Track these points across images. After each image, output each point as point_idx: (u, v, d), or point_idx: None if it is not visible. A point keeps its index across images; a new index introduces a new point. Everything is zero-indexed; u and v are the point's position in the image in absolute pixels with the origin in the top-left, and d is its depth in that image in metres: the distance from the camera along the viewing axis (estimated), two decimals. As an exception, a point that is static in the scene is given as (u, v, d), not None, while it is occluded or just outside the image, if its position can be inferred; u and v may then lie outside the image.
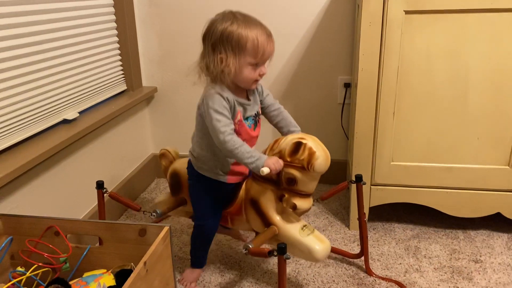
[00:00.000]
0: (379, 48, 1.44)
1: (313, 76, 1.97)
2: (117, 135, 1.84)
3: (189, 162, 1.35)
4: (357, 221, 1.47)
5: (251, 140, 1.27)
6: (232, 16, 1.17)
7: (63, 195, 1.49)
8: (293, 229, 1.24)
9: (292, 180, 1.18)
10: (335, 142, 2.04)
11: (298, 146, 1.16)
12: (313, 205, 1.46)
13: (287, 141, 1.19)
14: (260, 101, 1.32)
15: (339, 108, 1.98)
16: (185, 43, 1.99)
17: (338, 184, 1.43)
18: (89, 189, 1.59)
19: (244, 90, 1.25)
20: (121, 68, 1.92)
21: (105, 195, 1.43)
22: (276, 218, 1.25)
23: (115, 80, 1.87)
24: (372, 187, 1.61)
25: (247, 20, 1.17)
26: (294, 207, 1.19)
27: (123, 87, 1.95)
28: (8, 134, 1.28)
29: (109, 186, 1.52)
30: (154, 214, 1.38)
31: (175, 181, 1.45)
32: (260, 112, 1.31)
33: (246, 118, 1.25)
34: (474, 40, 1.39)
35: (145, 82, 2.08)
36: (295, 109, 2.01)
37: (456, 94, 1.46)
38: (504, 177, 1.52)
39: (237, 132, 1.20)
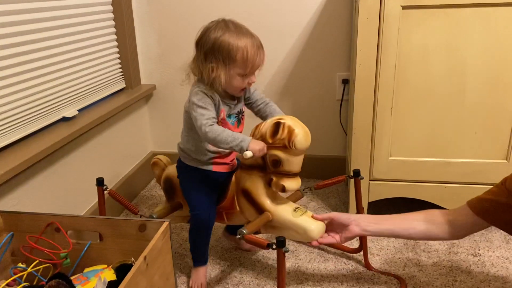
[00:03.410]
0: (377, 43, 1.44)
1: (311, 72, 1.97)
2: (116, 133, 1.85)
3: (178, 158, 1.39)
4: (356, 216, 1.47)
5: None
6: (225, 25, 1.21)
7: (63, 192, 1.50)
8: (286, 212, 1.25)
9: (277, 162, 1.19)
10: (333, 138, 2.05)
11: (277, 126, 1.18)
12: (305, 192, 1.47)
13: (267, 124, 1.21)
14: (248, 97, 1.35)
15: (338, 104, 1.99)
16: (184, 40, 1.99)
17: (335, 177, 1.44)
18: (89, 187, 1.59)
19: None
20: (120, 66, 1.92)
21: (104, 192, 1.44)
22: (268, 204, 1.26)
23: (114, 78, 1.87)
24: (370, 182, 1.62)
25: (239, 31, 1.20)
26: (283, 189, 1.21)
27: (122, 85, 1.95)
28: (8, 132, 1.29)
29: (109, 184, 1.52)
30: (151, 218, 1.38)
31: (168, 186, 1.47)
32: (244, 109, 1.34)
33: (229, 116, 1.29)
34: (471, 35, 1.40)
35: (143, 80, 2.09)
36: (294, 106, 2.02)
37: (454, 89, 1.47)
38: (502, 171, 1.52)
39: None
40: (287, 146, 1.16)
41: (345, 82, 1.94)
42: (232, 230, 1.54)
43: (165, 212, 1.43)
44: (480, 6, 1.37)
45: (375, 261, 1.49)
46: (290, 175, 1.21)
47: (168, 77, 2.08)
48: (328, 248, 1.57)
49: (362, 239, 1.46)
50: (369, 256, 1.49)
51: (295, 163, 1.20)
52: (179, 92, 2.09)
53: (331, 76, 1.97)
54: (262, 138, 1.20)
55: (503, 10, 1.36)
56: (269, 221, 1.26)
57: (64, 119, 1.53)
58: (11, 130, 1.30)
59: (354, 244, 1.58)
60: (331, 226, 1.25)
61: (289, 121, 1.18)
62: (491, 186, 1.16)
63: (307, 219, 1.23)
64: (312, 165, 2.03)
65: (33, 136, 1.39)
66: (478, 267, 1.44)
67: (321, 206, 1.86)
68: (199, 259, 1.40)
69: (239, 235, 1.16)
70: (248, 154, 1.15)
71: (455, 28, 1.40)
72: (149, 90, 2.05)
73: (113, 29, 1.86)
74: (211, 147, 1.30)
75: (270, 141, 1.19)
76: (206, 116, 1.19)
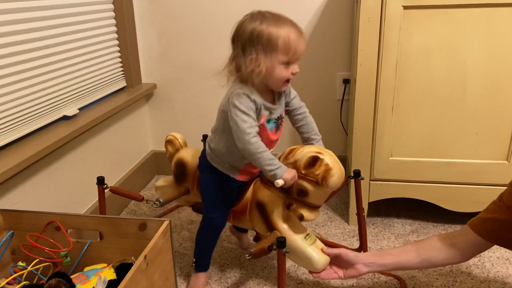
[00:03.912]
0: (378, 43, 1.44)
1: (312, 72, 1.97)
2: (116, 132, 1.85)
3: (203, 152, 1.33)
4: (356, 216, 1.48)
5: (270, 144, 1.24)
6: (261, 15, 1.14)
7: (63, 191, 1.50)
8: (297, 237, 1.23)
9: (303, 192, 1.16)
10: (334, 138, 2.05)
11: (314, 160, 1.14)
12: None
13: (304, 153, 1.16)
14: (287, 102, 1.28)
15: (338, 104, 1.99)
16: (185, 40, 2.00)
17: None
18: (89, 185, 1.60)
19: (271, 92, 1.22)
20: (121, 65, 1.92)
21: (105, 190, 1.44)
22: (281, 225, 1.24)
23: (114, 77, 1.87)
24: (371, 182, 1.62)
25: (277, 18, 1.14)
26: (301, 218, 1.19)
27: (123, 83, 1.95)
28: (9, 130, 1.29)
29: (109, 183, 1.52)
30: (157, 203, 1.35)
31: (180, 171, 1.42)
32: (284, 115, 1.28)
33: (268, 121, 1.21)
34: (472, 35, 1.40)
35: (144, 79, 2.08)
36: (294, 105, 2.02)
37: (455, 89, 1.46)
38: (503, 171, 1.53)
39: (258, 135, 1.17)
40: (319, 183, 1.13)
41: (346, 81, 1.94)
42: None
43: (172, 197, 1.40)
44: (481, 6, 1.36)
45: (375, 261, 1.49)
46: (311, 206, 1.19)
47: (169, 76, 2.08)
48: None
49: (362, 239, 1.46)
50: (369, 256, 1.49)
51: (321, 198, 1.19)
52: (179, 91, 2.09)
53: (331, 76, 1.97)
54: (295, 165, 1.17)
55: (504, 11, 1.36)
56: None
57: (65, 118, 1.53)
58: (12, 129, 1.30)
59: (355, 244, 1.58)
60: (336, 260, 1.25)
61: (328, 158, 1.14)
62: (489, 204, 1.15)
63: (315, 250, 1.22)
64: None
65: (33, 135, 1.39)
66: (478, 268, 1.44)
67: (322, 206, 1.86)
68: (202, 264, 1.37)
69: (249, 256, 1.14)
70: (280, 182, 1.12)
71: (456, 28, 1.40)
72: (150, 89, 2.05)
73: (114, 28, 1.86)
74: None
75: (303, 172, 1.15)
76: (249, 124, 1.12)
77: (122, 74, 1.95)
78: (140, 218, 1.11)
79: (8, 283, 1.08)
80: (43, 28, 1.39)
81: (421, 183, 1.59)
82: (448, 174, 1.56)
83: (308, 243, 1.23)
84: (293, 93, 1.29)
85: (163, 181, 1.53)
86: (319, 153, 1.15)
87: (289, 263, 1.48)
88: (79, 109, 1.61)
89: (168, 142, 1.50)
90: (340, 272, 1.23)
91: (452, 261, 1.16)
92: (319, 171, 1.13)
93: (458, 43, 1.41)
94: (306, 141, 1.30)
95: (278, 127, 1.25)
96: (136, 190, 2.01)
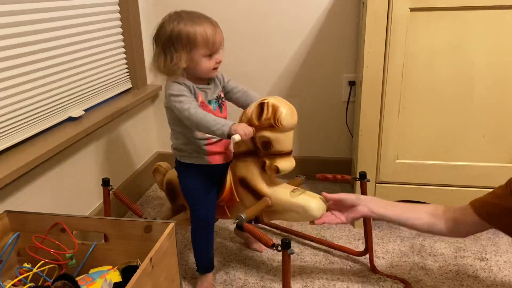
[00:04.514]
0: (384, 45, 1.44)
1: (317, 74, 1.97)
2: (122, 133, 1.85)
3: (175, 159, 1.38)
4: (362, 219, 1.47)
5: None
6: (177, 15, 1.23)
7: (69, 192, 1.50)
8: (284, 194, 1.25)
9: (267, 143, 1.19)
10: (339, 140, 2.04)
11: (261, 106, 1.18)
12: (307, 179, 1.46)
13: (252, 107, 1.21)
14: (223, 87, 1.36)
15: (344, 106, 1.98)
16: (190, 41, 1.99)
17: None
18: (95, 187, 1.60)
19: (204, 79, 1.30)
20: (126, 66, 1.93)
21: (110, 192, 1.44)
22: (265, 188, 1.26)
23: (120, 78, 1.88)
24: (377, 185, 1.61)
25: (192, 16, 1.23)
26: (277, 170, 1.20)
27: (128, 85, 1.96)
28: (14, 132, 1.29)
29: (115, 184, 1.52)
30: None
31: (170, 189, 1.48)
32: (223, 96, 1.35)
33: (209, 102, 1.30)
34: (478, 37, 1.39)
35: (150, 81, 2.09)
36: (300, 107, 2.00)
37: (461, 92, 1.45)
38: (510, 174, 1.50)
39: None
40: (274, 125, 1.16)
41: (352, 83, 1.93)
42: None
43: (168, 215, 1.44)
44: (488, 8, 1.36)
45: (381, 264, 1.48)
46: (283, 155, 1.20)
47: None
48: (334, 251, 1.56)
49: (368, 242, 1.45)
50: (374, 259, 1.49)
51: (285, 141, 1.20)
52: (185, 92, 2.09)
53: (337, 78, 1.96)
54: (249, 122, 1.20)
55: (511, 13, 1.35)
56: (268, 206, 1.26)
57: (70, 119, 1.54)
58: (18, 130, 1.30)
59: (360, 247, 1.57)
60: (337, 206, 1.24)
61: (273, 100, 1.18)
62: (496, 187, 1.14)
63: (305, 198, 1.23)
64: (318, 167, 2.02)
65: (39, 136, 1.39)
66: (485, 272, 1.43)
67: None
68: (204, 265, 1.37)
69: (237, 219, 1.15)
70: (236, 137, 1.14)
71: (463, 30, 1.39)
72: (155, 91, 2.05)
73: (120, 29, 1.86)
74: (199, 134, 1.29)
75: (257, 123, 1.18)
76: (186, 101, 1.21)
77: (128, 75, 1.95)
78: (145, 220, 1.11)
79: (13, 285, 1.08)
80: (48, 30, 1.40)
81: (427, 186, 1.58)
82: (455, 177, 1.55)
83: (297, 194, 1.25)
84: (227, 77, 1.37)
85: (163, 165, 1.57)
86: (264, 99, 1.19)
87: (294, 265, 1.48)
88: (85, 110, 1.61)
89: (155, 171, 1.57)
90: (343, 217, 1.22)
91: (452, 234, 1.16)
92: (269, 114, 1.17)
93: (465, 46, 1.41)
94: (249, 104, 1.34)
95: (221, 106, 1.33)
96: (141, 191, 2.02)
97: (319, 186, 2.01)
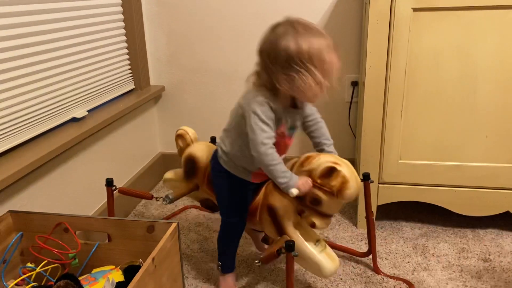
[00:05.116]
0: (387, 46, 1.44)
1: (320, 74, 1.96)
2: (125, 134, 1.85)
3: (215, 155, 1.30)
4: (365, 220, 1.47)
5: (285, 148, 1.24)
6: (294, 31, 1.07)
7: (72, 193, 1.50)
8: (307, 243, 1.22)
9: (317, 201, 1.15)
10: (342, 141, 2.04)
11: (331, 171, 1.11)
12: None
13: (320, 162, 1.14)
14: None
15: (347, 106, 1.98)
16: (193, 42, 2.00)
17: None
18: (98, 187, 1.60)
19: (291, 98, 1.17)
20: (129, 67, 1.93)
21: (114, 192, 1.44)
22: (292, 230, 1.22)
23: (123, 79, 1.88)
24: (380, 185, 1.60)
25: (312, 34, 1.07)
26: (313, 226, 1.18)
27: (131, 86, 1.96)
28: (18, 132, 1.30)
29: (118, 184, 1.52)
30: (166, 199, 1.35)
31: (190, 166, 1.41)
32: (299, 125, 1.26)
33: (291, 128, 1.20)
34: (482, 37, 1.39)
35: (153, 81, 2.09)
36: (303, 107, 2.01)
37: (465, 92, 1.45)
38: (513, 175, 1.51)
39: (276, 142, 1.15)
40: (335, 194, 1.12)
41: (354, 84, 1.93)
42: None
43: (182, 193, 1.39)
44: (492, 8, 1.35)
45: (384, 265, 1.48)
46: (324, 215, 1.18)
47: (177, 78, 2.08)
48: (337, 252, 1.56)
49: (371, 243, 1.45)
50: (377, 260, 1.48)
51: (334, 208, 1.18)
52: (188, 93, 2.09)
53: (340, 78, 1.95)
54: (310, 174, 1.15)
55: (515, 13, 1.35)
56: None
57: (74, 120, 1.54)
58: (22, 131, 1.31)
59: (363, 247, 1.57)
60: None
61: (345, 170, 1.11)
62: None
63: (326, 258, 1.21)
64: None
65: (43, 136, 1.40)
66: (488, 273, 1.43)
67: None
68: (227, 265, 1.36)
69: (258, 262, 1.14)
70: (294, 192, 1.11)
71: (466, 30, 1.39)
72: (158, 91, 2.05)
73: (123, 30, 1.87)
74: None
75: (318, 181, 1.13)
76: (267, 135, 1.11)
77: (131, 76, 1.95)
78: (148, 220, 1.11)
79: (17, 284, 1.08)
80: (52, 31, 1.40)
81: (430, 187, 1.58)
82: (458, 178, 1.54)
83: (319, 250, 1.22)
84: None
85: (171, 173, 1.52)
86: (336, 163, 1.12)
87: (297, 266, 1.47)
88: (88, 111, 1.61)
89: (179, 136, 1.49)
90: None
91: None
92: (335, 182, 1.11)
93: (468, 46, 1.40)
94: (317, 145, 1.29)
95: (293, 134, 1.24)
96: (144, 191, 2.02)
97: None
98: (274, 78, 1.09)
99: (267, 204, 1.25)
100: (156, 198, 1.42)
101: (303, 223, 1.24)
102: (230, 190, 1.29)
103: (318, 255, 1.20)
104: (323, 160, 1.14)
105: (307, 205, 1.18)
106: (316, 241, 1.23)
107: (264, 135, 1.11)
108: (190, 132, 1.48)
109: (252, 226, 1.37)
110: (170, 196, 1.34)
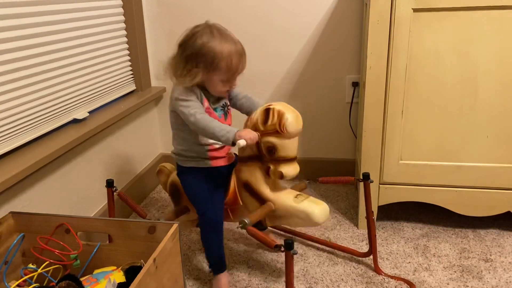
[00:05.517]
0: (387, 46, 1.44)
1: (321, 75, 1.97)
2: (126, 135, 1.86)
3: (176, 163, 1.39)
4: (366, 220, 1.46)
5: None
6: (210, 31, 1.22)
7: (73, 194, 1.51)
8: (287, 199, 1.26)
9: (272, 148, 1.20)
10: (343, 141, 2.04)
11: (267, 112, 1.19)
12: (308, 182, 1.46)
13: (257, 113, 1.23)
14: (228, 94, 1.37)
15: (347, 107, 1.98)
16: (194, 43, 2.00)
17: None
18: (99, 188, 1.60)
19: None
20: (130, 68, 1.93)
21: (114, 194, 1.44)
22: (269, 193, 1.27)
23: (124, 80, 1.88)
24: (380, 186, 1.61)
25: (225, 38, 1.22)
26: (282, 175, 1.21)
27: (132, 87, 1.96)
28: (19, 134, 1.30)
29: (119, 185, 1.53)
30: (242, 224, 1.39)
31: (174, 191, 1.48)
32: (228, 103, 1.37)
33: (215, 109, 1.31)
34: (482, 38, 1.39)
35: (154, 83, 2.09)
36: (303, 108, 2.01)
37: (465, 92, 1.45)
38: (514, 175, 1.51)
39: None
40: (279, 130, 1.17)
41: (355, 84, 1.93)
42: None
43: (172, 216, 1.44)
44: (492, 8, 1.35)
45: (385, 266, 1.48)
46: (287, 160, 1.21)
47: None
48: (338, 252, 1.56)
49: (372, 243, 1.45)
50: (378, 260, 1.48)
51: (289, 147, 1.21)
52: (188, 94, 2.10)
53: (340, 79, 1.96)
54: (254, 128, 1.22)
55: (515, 13, 1.35)
56: (272, 210, 1.26)
57: (75, 121, 1.55)
58: (22, 132, 1.31)
59: (364, 248, 1.57)
60: None
61: (279, 106, 1.20)
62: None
63: (309, 204, 1.24)
64: (321, 168, 2.02)
65: (44, 138, 1.40)
66: (489, 273, 1.42)
67: (330, 209, 1.85)
68: (217, 265, 1.37)
69: (241, 224, 1.16)
70: (241, 143, 1.15)
71: (466, 30, 1.39)
72: (159, 93, 2.06)
73: (124, 32, 1.87)
74: (202, 140, 1.30)
75: (262, 128, 1.20)
76: (193, 106, 1.22)
77: (132, 77, 1.96)
78: (149, 221, 1.11)
79: (18, 285, 1.08)
80: (53, 32, 1.41)
81: (431, 187, 1.58)
82: (459, 178, 1.54)
83: (300, 200, 1.25)
84: None
85: (167, 166, 1.57)
86: (269, 105, 1.21)
87: (297, 267, 1.48)
88: (89, 112, 1.62)
89: (159, 172, 1.58)
90: None
91: None
92: (274, 119, 1.18)
93: (468, 46, 1.40)
94: (252, 111, 1.34)
95: (226, 114, 1.34)
96: (145, 193, 2.02)
97: (322, 188, 2.01)
98: (180, 68, 1.23)
99: (241, 183, 1.31)
100: (149, 219, 1.43)
101: (278, 184, 1.30)
102: (196, 183, 1.34)
103: (301, 204, 1.24)
104: (258, 110, 1.24)
105: (268, 160, 1.23)
106: (297, 195, 1.28)
107: (189, 108, 1.21)
108: (167, 165, 1.57)
109: (242, 215, 1.37)
110: (162, 220, 1.37)
